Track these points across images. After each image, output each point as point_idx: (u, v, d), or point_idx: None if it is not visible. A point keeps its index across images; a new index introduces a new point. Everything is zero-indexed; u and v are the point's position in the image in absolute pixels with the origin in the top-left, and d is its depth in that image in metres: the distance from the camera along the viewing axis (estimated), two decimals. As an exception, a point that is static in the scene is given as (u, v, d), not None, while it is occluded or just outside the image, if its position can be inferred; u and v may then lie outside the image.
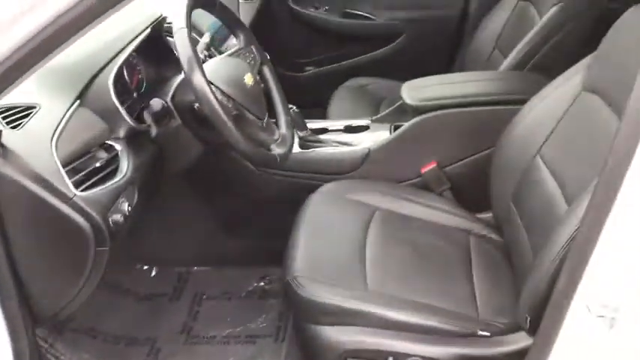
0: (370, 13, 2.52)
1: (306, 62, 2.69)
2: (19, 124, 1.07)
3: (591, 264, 0.86)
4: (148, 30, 1.39)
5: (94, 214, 1.06)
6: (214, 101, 1.16)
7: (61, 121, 1.12)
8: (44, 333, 1.49)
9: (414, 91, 1.72)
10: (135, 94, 1.42)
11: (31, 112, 1.10)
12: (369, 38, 2.55)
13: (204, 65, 1.34)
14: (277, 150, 1.37)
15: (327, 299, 1.28)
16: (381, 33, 2.53)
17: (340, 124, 1.91)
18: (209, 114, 1.18)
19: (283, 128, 1.46)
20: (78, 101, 1.18)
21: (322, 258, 1.41)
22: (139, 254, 1.91)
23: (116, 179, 1.17)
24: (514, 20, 2.05)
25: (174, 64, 1.49)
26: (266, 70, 1.52)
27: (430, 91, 1.70)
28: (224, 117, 1.17)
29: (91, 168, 1.14)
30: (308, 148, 1.79)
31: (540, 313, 1.00)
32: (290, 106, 1.72)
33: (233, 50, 1.44)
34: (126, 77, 1.39)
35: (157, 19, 1.47)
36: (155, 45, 1.46)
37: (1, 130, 1.01)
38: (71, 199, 1.04)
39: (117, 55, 1.30)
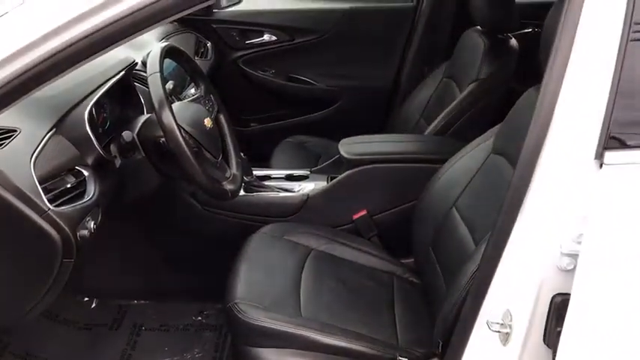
0: (312, 79, 2.77)
1: (251, 119, 2.88)
2: (2, 144, 1.18)
3: (491, 289, 1.06)
4: (123, 72, 1.55)
5: (65, 227, 1.17)
6: (180, 137, 1.32)
7: (39, 144, 1.23)
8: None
9: (350, 146, 1.93)
10: (100, 130, 1.55)
11: (12, 135, 1.22)
12: (309, 101, 2.79)
13: (180, 103, 1.50)
14: (228, 186, 1.52)
15: (266, 323, 1.41)
16: (321, 97, 2.78)
17: (282, 173, 2.09)
18: (174, 149, 1.33)
19: (234, 168, 1.63)
20: (54, 129, 1.30)
21: (261, 287, 1.55)
22: (80, 286, 1.97)
23: (84, 200, 1.28)
24: (438, 94, 2.34)
25: (138, 105, 1.64)
26: (221, 117, 1.69)
27: (363, 147, 1.92)
28: (188, 152, 1.33)
29: (62, 188, 1.25)
30: (252, 191, 1.95)
31: (450, 337, 1.19)
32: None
33: (194, 97, 1.61)
34: (93, 114, 1.53)
35: (131, 64, 1.62)
36: (121, 87, 1.61)
37: None
38: (46, 212, 1.14)
39: (93, 92, 1.43)
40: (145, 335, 1.89)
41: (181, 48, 1.58)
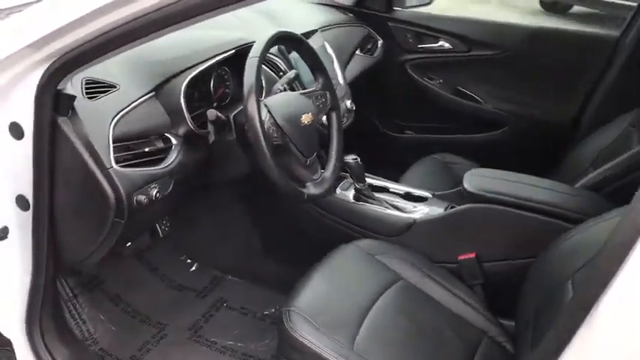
0: (480, 97, 2.52)
1: (407, 125, 2.74)
2: (96, 97, 1.25)
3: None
4: (233, 51, 1.55)
5: (121, 188, 1.20)
6: (259, 128, 1.27)
7: (130, 104, 1.28)
8: (73, 283, 1.67)
9: (477, 178, 1.71)
10: (215, 104, 1.58)
11: (109, 90, 1.28)
12: (471, 120, 2.55)
13: (274, 96, 1.46)
14: (311, 189, 1.44)
15: (308, 342, 1.31)
16: (485, 118, 2.52)
17: (401, 188, 1.94)
18: (251, 137, 1.28)
19: (328, 172, 1.53)
20: (153, 92, 1.35)
21: (325, 302, 1.44)
22: (185, 247, 2.06)
23: (157, 167, 1.31)
24: (616, 143, 1.97)
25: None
26: (333, 117, 1.61)
27: (491, 183, 1.68)
28: (263, 143, 1.27)
29: (139, 150, 1.29)
30: (360, 200, 1.83)
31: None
32: (354, 157, 1.79)
33: (308, 90, 1.55)
34: (211, 87, 1.55)
35: (245, 44, 1.61)
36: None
37: (75, 96, 1.18)
38: (107, 169, 1.19)
39: (198, 64, 1.45)
40: (223, 312, 1.91)
41: (300, 36, 1.50)
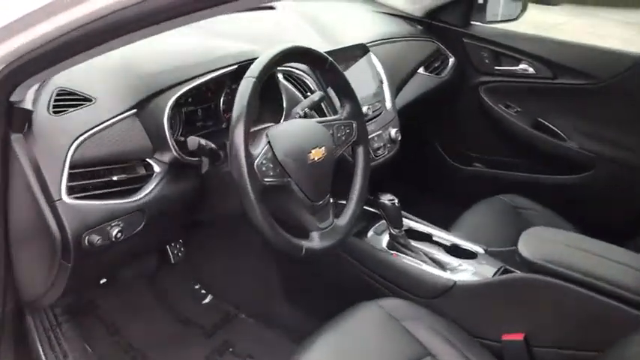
0: (563, 133, 2.13)
1: (475, 157, 2.40)
2: (64, 111, 1.06)
3: None
4: (234, 67, 1.30)
5: (67, 224, 1.00)
6: (244, 163, 1.02)
7: (104, 122, 1.08)
8: (60, 309, 1.50)
9: (534, 240, 1.37)
10: (224, 125, 1.35)
11: (83, 104, 1.08)
12: (551, 158, 2.17)
13: (280, 125, 1.21)
14: (315, 242, 1.17)
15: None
16: (568, 158, 2.13)
17: (448, 238, 1.63)
18: (234, 174, 1.04)
19: (342, 220, 1.26)
20: (134, 110, 1.13)
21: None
22: (200, 275, 1.85)
23: (124, 200, 1.09)
24: None
25: (279, 107, 1.39)
26: (359, 153, 1.33)
27: (552, 249, 1.34)
28: (247, 182, 1.03)
29: (105, 179, 1.08)
30: (394, 249, 1.55)
31: None
32: (390, 197, 1.51)
33: (329, 119, 1.28)
34: (221, 105, 1.33)
35: (249, 59, 1.32)
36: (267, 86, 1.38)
37: (31, 110, 1.00)
38: (54, 201, 0.99)
39: (191, 79, 1.22)
40: (228, 358, 1.67)
41: (321, 54, 1.23)
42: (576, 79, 2.07)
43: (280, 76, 1.43)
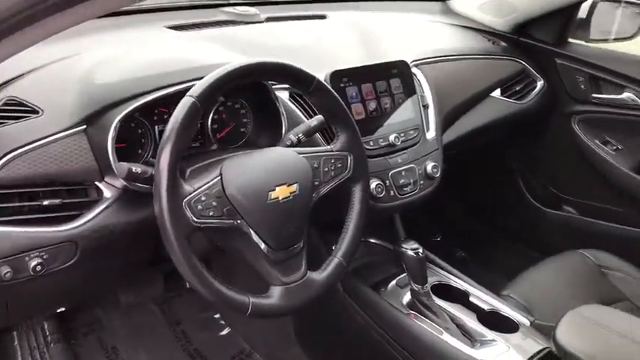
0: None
1: (562, 199, 2.01)
2: (1, 124, 0.95)
3: None
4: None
5: None
6: (164, 194, 0.84)
7: (43, 139, 0.95)
8: (52, 327, 1.41)
9: (579, 321, 1.06)
10: (215, 146, 1.18)
11: (27, 117, 0.97)
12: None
13: (238, 155, 1.01)
14: (273, 299, 0.95)
15: None
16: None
17: (490, 302, 1.33)
18: (154, 207, 0.87)
19: (321, 273, 1.03)
20: (83, 126, 1.00)
21: None
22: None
23: (52, 228, 0.95)
24: None
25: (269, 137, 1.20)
26: (355, 193, 1.09)
27: (595, 338, 1.01)
28: (166, 219, 0.84)
29: (36, 203, 0.95)
30: (413, 309, 1.29)
31: None
32: (414, 246, 1.26)
33: (316, 149, 1.06)
34: (208, 122, 1.16)
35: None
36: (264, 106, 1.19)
37: None
38: None
39: (152, 91, 1.04)
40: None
41: (307, 73, 1.02)
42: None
43: (285, 95, 1.23)
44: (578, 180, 1.96)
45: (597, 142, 1.86)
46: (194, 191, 0.89)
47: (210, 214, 0.90)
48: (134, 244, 1.07)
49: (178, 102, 0.91)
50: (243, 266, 0.98)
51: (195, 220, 0.89)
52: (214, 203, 0.91)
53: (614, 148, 1.83)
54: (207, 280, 0.89)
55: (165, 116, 1.08)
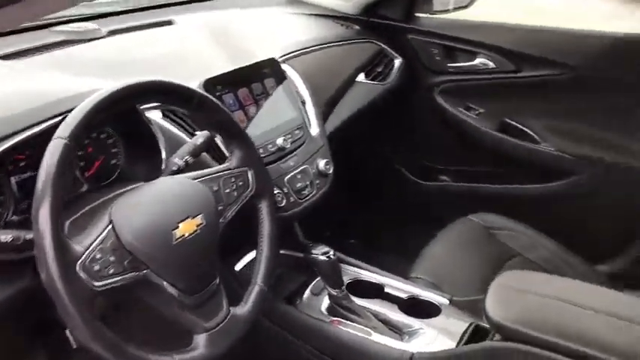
0: (536, 134, 1.81)
1: (438, 169, 2.07)
2: None
3: None
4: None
5: None
6: (52, 261, 0.69)
7: None
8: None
9: (506, 294, 1.05)
10: (86, 187, 1.01)
11: None
12: (525, 165, 1.84)
13: (126, 197, 0.87)
14: (200, 349, 0.83)
15: None
16: (545, 164, 1.81)
17: (406, 289, 1.30)
18: (42, 277, 0.71)
19: (244, 307, 0.93)
20: None
21: None
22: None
23: None
24: None
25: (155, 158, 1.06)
26: (263, 208, 1.00)
27: (527, 307, 1.01)
28: (58, 286, 0.69)
29: None
30: (334, 314, 1.23)
31: None
32: (325, 250, 1.19)
33: (212, 170, 0.95)
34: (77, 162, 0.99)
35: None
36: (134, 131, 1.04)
37: None
38: None
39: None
40: None
41: (184, 87, 0.91)
42: (544, 69, 1.75)
43: (157, 115, 1.09)
44: (449, 149, 2.02)
45: (460, 109, 1.92)
46: (86, 250, 0.74)
47: (111, 272, 0.75)
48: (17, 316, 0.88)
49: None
50: (157, 320, 0.84)
51: (96, 284, 0.74)
52: (112, 258, 0.76)
53: (477, 112, 1.90)
54: (121, 349, 0.75)
55: (22, 163, 0.89)
